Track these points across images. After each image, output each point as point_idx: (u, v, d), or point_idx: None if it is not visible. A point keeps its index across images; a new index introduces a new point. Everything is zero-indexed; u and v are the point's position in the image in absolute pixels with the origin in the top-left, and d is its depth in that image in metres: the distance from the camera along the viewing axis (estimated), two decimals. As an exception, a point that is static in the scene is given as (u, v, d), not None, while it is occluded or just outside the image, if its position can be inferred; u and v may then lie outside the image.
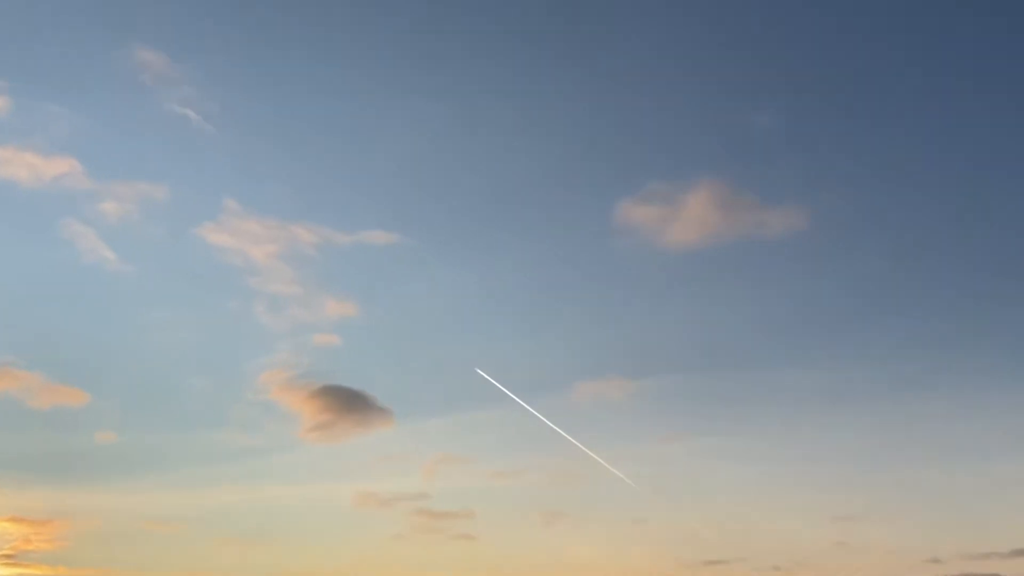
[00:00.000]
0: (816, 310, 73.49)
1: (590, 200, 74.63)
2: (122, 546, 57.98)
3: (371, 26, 73.16)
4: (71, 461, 59.79)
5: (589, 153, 75.83)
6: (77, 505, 58.38)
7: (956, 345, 69.43)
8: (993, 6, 73.95)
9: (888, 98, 75.01)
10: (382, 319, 70.34)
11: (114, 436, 61.63)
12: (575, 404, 66.36)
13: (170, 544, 59.41)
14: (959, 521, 61.82)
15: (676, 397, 68.91)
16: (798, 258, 73.72)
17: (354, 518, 63.51)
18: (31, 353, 60.49)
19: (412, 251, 70.25)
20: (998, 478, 62.68)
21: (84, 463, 60.29)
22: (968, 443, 64.67)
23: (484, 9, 74.04)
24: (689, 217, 70.78)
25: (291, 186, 72.50)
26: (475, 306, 72.56)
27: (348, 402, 63.57)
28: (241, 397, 65.87)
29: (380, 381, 67.58)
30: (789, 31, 75.23)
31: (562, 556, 61.22)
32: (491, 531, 61.82)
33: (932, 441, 65.20)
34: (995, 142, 74.38)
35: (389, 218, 71.55)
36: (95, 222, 66.55)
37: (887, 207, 75.43)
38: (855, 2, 74.96)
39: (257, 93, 72.16)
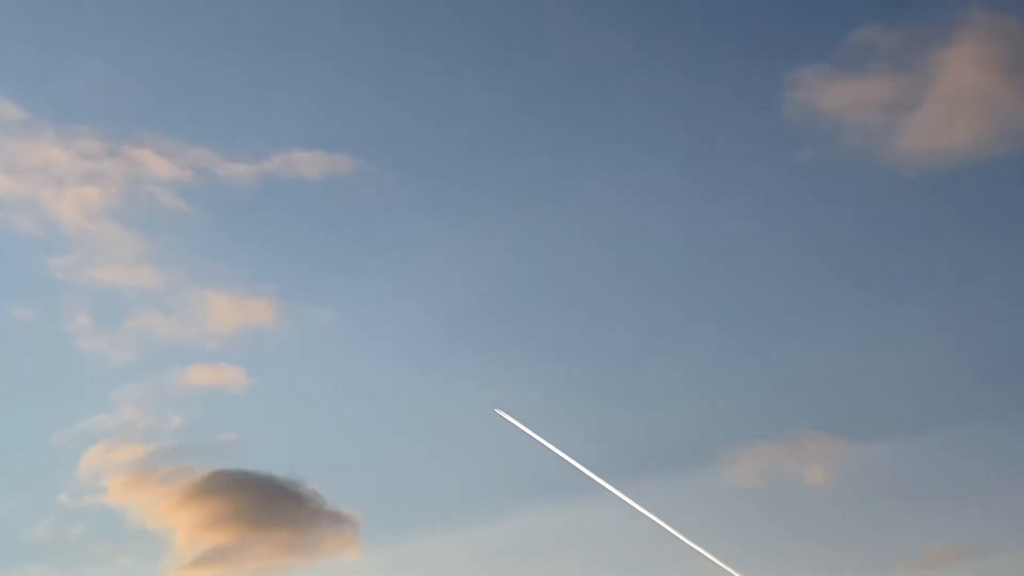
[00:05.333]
0: None
1: (735, 76, 41.45)
2: None
3: None
4: None
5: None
6: None
7: None
8: None
9: None
10: (324, 332, 39.18)
11: None
12: (732, 492, 35.86)
13: None
14: None
15: (948, 473, 35.68)
16: None
17: None
18: None
19: (380, 192, 40.91)
20: None
21: None
22: None
23: None
24: (945, 98, 38.32)
25: (127, 68, 41.25)
26: (511, 295, 41.08)
27: (266, 504, 34.06)
28: (51, 502, 35.92)
29: (327, 459, 36.78)
30: None
31: None
32: None
33: None
34: None
35: (333, 128, 41.75)
36: None
37: None
38: None
39: None
